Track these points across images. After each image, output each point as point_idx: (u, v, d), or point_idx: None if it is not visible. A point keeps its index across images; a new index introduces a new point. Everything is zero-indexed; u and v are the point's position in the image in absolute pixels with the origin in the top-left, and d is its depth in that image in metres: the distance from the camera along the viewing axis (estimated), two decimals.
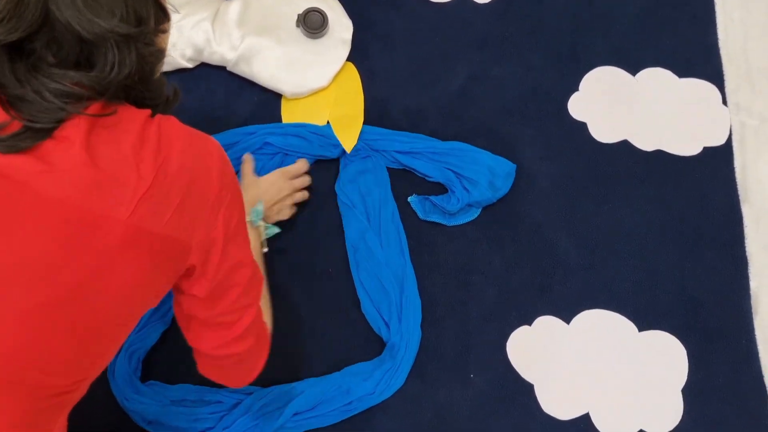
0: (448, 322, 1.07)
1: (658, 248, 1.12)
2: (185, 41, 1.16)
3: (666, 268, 1.11)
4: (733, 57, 1.25)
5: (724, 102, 1.22)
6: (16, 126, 0.62)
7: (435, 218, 1.12)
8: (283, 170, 1.09)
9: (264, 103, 1.18)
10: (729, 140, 1.19)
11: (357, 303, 1.07)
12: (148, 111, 0.69)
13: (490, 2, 1.27)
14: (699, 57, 1.24)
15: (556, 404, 1.03)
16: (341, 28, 1.21)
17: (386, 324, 1.05)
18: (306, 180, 1.12)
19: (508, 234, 1.12)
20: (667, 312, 1.09)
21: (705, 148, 1.18)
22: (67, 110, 0.63)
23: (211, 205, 0.69)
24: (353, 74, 1.20)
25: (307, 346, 1.06)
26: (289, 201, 1.08)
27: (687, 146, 1.18)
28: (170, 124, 0.69)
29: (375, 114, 1.18)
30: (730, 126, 1.20)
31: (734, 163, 1.18)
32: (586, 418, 1.03)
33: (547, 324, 1.08)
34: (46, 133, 0.63)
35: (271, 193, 1.05)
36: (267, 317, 0.90)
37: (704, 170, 1.17)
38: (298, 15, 1.18)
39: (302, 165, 1.12)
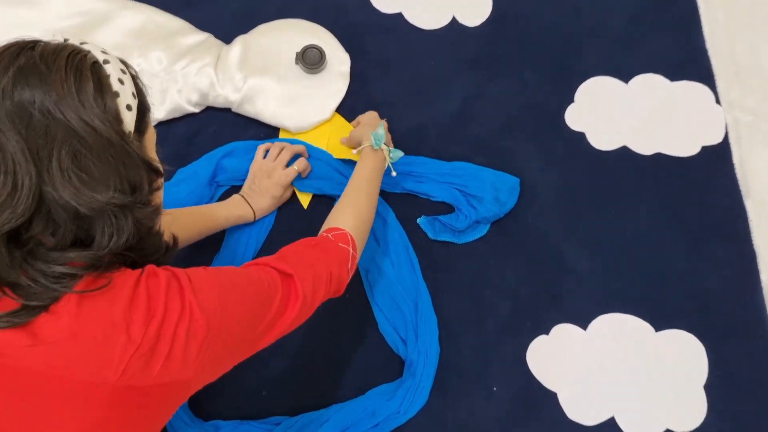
0: (466, 337, 1.09)
1: (667, 249, 1.14)
2: (190, 87, 1.20)
3: (676, 268, 1.13)
4: (722, 57, 1.28)
5: (717, 101, 1.24)
6: (12, 304, 0.63)
7: (445, 237, 1.14)
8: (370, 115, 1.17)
9: (270, 138, 1.21)
10: (726, 138, 1.22)
11: (375, 325, 1.09)
12: (138, 272, 0.69)
13: (479, 25, 1.31)
14: (688, 59, 1.28)
15: (581, 410, 1.05)
16: (338, 61, 1.25)
17: (403, 341, 1.07)
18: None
19: (518, 247, 1.14)
20: (682, 311, 1.10)
21: (703, 148, 1.21)
22: (60, 291, 0.63)
23: (201, 339, 0.68)
24: (341, 122, 1.23)
25: (331, 372, 1.07)
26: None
27: (685, 147, 1.21)
28: (155, 280, 0.69)
29: None
30: (726, 124, 1.23)
31: (733, 160, 1.20)
32: (611, 422, 1.04)
33: (564, 332, 1.09)
34: (42, 309, 0.63)
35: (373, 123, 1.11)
36: (355, 229, 0.94)
37: (704, 169, 1.20)
38: (297, 53, 1.22)
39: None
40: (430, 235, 1.14)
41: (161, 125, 1.22)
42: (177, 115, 1.22)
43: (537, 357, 1.08)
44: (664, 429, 1.03)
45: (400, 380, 1.06)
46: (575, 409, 1.05)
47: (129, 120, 0.68)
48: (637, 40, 1.29)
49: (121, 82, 0.68)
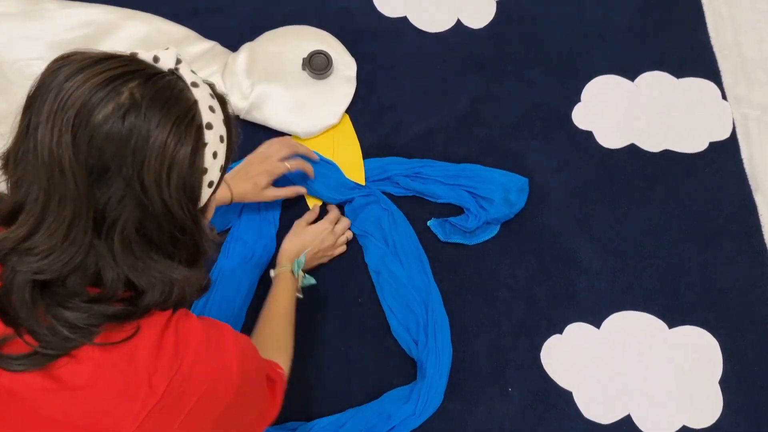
0: (480, 338, 1.09)
1: (678, 245, 1.14)
2: None
3: (688, 264, 1.13)
4: (727, 52, 1.28)
5: (724, 97, 1.25)
6: (27, 346, 0.59)
7: (456, 239, 1.14)
8: (328, 219, 1.12)
9: None
10: (733, 133, 1.22)
11: (388, 327, 1.09)
12: (168, 313, 0.65)
13: (484, 26, 1.31)
14: (694, 56, 1.28)
15: (597, 409, 1.05)
16: (345, 66, 1.25)
17: (415, 342, 1.07)
18: (348, 233, 1.14)
19: (529, 246, 1.14)
20: (695, 307, 1.10)
21: (711, 143, 1.21)
22: (80, 342, 0.59)
23: (228, 403, 0.65)
24: (346, 122, 1.24)
25: (345, 377, 1.07)
26: (330, 252, 1.11)
27: (693, 143, 1.21)
28: (188, 325, 0.65)
29: (386, 142, 1.22)
30: (733, 119, 1.23)
31: (741, 155, 1.20)
32: (628, 419, 1.04)
33: (578, 330, 1.09)
34: (60, 356, 0.59)
35: (316, 243, 1.08)
36: (286, 362, 0.92)
37: (713, 165, 1.20)
38: (303, 59, 1.22)
39: (336, 211, 1.15)
40: (441, 237, 1.14)
41: None
42: None
43: (551, 356, 1.08)
44: (680, 426, 1.03)
45: (414, 383, 1.06)
46: (591, 408, 1.05)
47: (206, 195, 0.64)
48: (642, 38, 1.30)
49: (214, 156, 0.62)
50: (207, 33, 1.28)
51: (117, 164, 0.56)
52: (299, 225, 1.11)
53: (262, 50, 1.25)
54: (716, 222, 1.16)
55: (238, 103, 1.21)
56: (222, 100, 0.66)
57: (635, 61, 1.28)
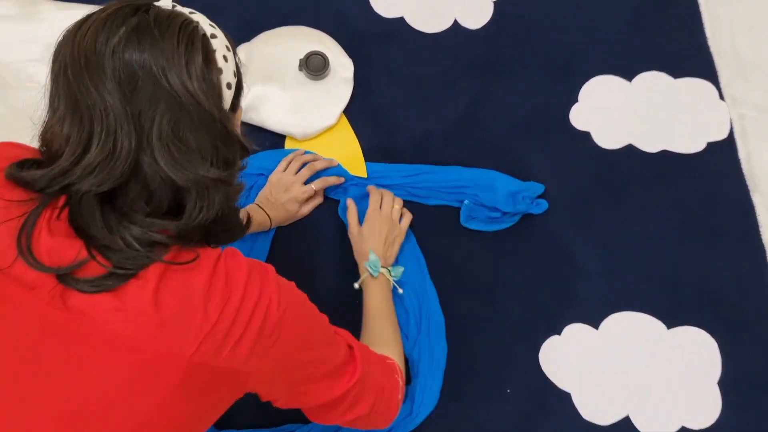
0: (478, 340, 1.09)
1: (676, 246, 1.14)
2: None
3: (686, 265, 1.13)
4: (723, 53, 1.28)
5: (721, 97, 1.25)
6: (99, 269, 0.63)
7: (474, 225, 1.14)
8: (373, 208, 1.11)
9: (275, 147, 1.21)
10: (731, 133, 1.22)
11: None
12: (218, 250, 0.69)
13: (481, 27, 1.31)
14: (691, 56, 1.28)
15: (595, 410, 1.04)
16: (342, 67, 1.25)
17: (405, 336, 1.07)
18: (397, 204, 1.13)
19: (527, 247, 1.14)
20: (693, 307, 1.10)
21: (709, 144, 1.21)
22: (152, 258, 0.64)
23: (269, 333, 0.69)
24: (343, 123, 1.23)
25: None
26: (396, 231, 1.11)
27: (691, 144, 1.21)
28: (236, 262, 0.69)
29: (384, 145, 1.22)
30: (730, 119, 1.23)
31: (739, 155, 1.20)
32: (626, 421, 1.04)
33: (576, 331, 1.09)
34: (130, 276, 0.63)
35: (378, 240, 1.08)
36: (397, 357, 0.94)
37: (711, 165, 1.20)
38: (300, 60, 1.22)
39: (375, 192, 1.14)
40: (462, 220, 1.14)
41: None
42: None
43: (550, 358, 1.07)
44: (679, 426, 1.03)
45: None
46: (590, 409, 1.04)
47: (227, 97, 0.69)
48: (639, 39, 1.30)
49: (225, 59, 0.68)
50: None
51: (143, 71, 0.62)
52: (353, 228, 1.11)
53: (259, 51, 1.25)
54: (714, 222, 1.16)
55: None
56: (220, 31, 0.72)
57: (632, 61, 1.28)
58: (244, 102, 1.19)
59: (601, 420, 1.04)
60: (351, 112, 1.24)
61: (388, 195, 1.14)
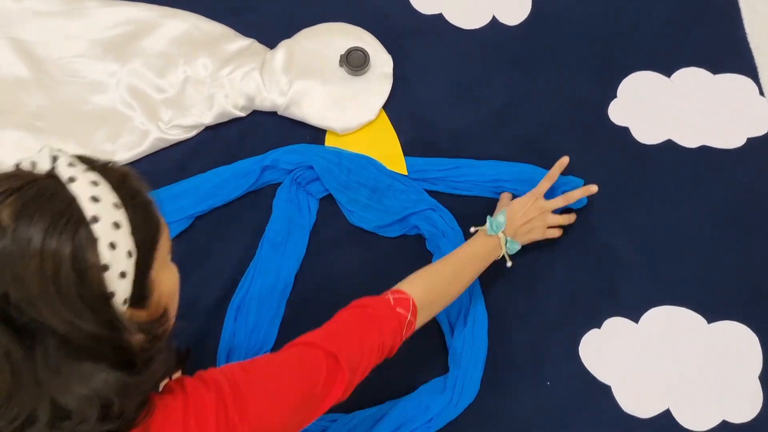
0: (517, 332, 1.09)
1: (715, 240, 1.14)
2: (237, 92, 1.22)
3: (725, 260, 1.13)
4: (764, 48, 1.28)
5: (761, 93, 1.25)
6: None
7: None
8: (533, 193, 1.08)
9: (316, 141, 1.23)
10: None
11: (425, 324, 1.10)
12: (181, 398, 0.66)
13: (519, 23, 1.32)
14: (730, 52, 1.28)
15: (636, 403, 1.05)
16: (381, 62, 1.26)
17: (451, 327, 1.08)
18: (561, 219, 1.10)
19: (566, 241, 1.15)
20: (733, 302, 1.10)
21: (749, 139, 1.21)
22: None
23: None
24: (382, 118, 1.24)
25: (384, 370, 1.08)
26: (539, 222, 1.07)
27: (730, 139, 1.21)
28: (202, 406, 0.66)
29: (422, 139, 1.23)
30: None
31: None
32: (667, 414, 1.04)
33: (616, 325, 1.09)
34: None
35: (521, 216, 1.05)
36: (419, 295, 0.91)
37: (750, 160, 1.20)
38: (341, 55, 1.24)
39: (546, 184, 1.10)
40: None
41: (208, 130, 1.24)
42: (224, 119, 1.24)
43: (589, 351, 1.08)
44: (720, 420, 1.04)
45: (448, 374, 1.06)
46: (630, 402, 1.05)
47: (122, 290, 0.60)
48: (678, 34, 1.30)
49: (112, 246, 0.59)
50: (244, 31, 1.30)
51: (5, 290, 0.55)
52: (503, 199, 1.12)
53: (300, 47, 1.27)
54: (754, 217, 1.16)
55: (277, 100, 1.22)
56: (122, 178, 0.63)
57: (671, 57, 1.28)
58: (285, 98, 1.22)
59: (642, 413, 1.04)
60: (389, 107, 1.25)
61: (560, 202, 1.09)
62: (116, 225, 0.59)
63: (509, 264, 1.06)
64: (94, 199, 0.58)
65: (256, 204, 1.18)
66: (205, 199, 1.16)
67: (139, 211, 0.63)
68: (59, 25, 1.29)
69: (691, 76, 1.26)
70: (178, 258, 1.11)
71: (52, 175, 0.59)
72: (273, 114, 1.25)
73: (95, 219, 0.58)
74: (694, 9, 1.32)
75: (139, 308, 0.64)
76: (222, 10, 1.32)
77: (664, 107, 1.24)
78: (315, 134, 1.23)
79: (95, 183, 0.60)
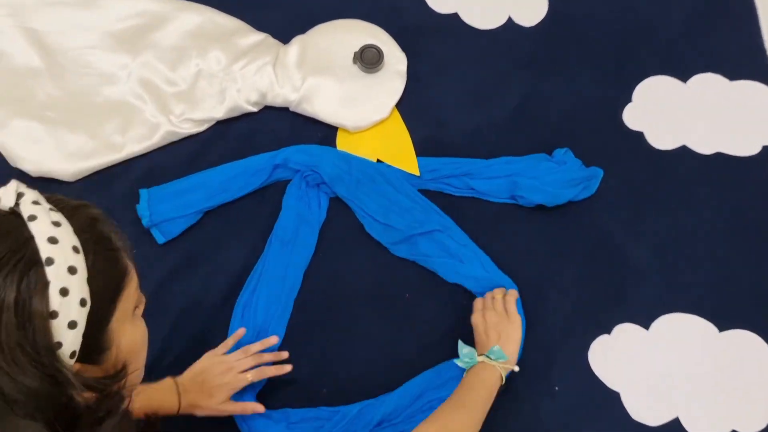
0: (527, 336, 1.08)
1: (728, 248, 1.13)
2: (249, 87, 1.22)
3: (738, 268, 1.12)
4: None
5: None
6: None
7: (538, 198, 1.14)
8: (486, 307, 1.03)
9: (327, 138, 1.22)
10: None
11: (435, 323, 1.09)
12: None
13: (535, 24, 1.31)
14: (747, 59, 1.27)
15: (645, 411, 1.04)
16: (395, 60, 1.26)
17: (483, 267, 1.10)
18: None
19: (577, 246, 1.14)
20: (745, 311, 1.09)
21: (764, 147, 1.20)
22: None
23: None
24: (395, 116, 1.24)
25: (391, 371, 1.07)
26: (509, 326, 1.01)
27: (746, 146, 1.20)
28: None
29: (434, 138, 1.22)
30: None
31: None
32: (676, 422, 1.03)
33: (626, 331, 1.08)
34: None
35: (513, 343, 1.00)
36: None
37: (766, 168, 1.19)
38: (355, 52, 1.23)
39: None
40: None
41: (220, 124, 1.23)
42: (236, 114, 1.23)
43: (599, 357, 1.07)
44: (730, 430, 1.02)
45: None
46: (639, 410, 1.04)
47: (71, 341, 0.55)
48: (695, 40, 1.29)
49: (64, 293, 0.54)
50: (258, 26, 1.29)
51: None
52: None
53: (314, 43, 1.26)
54: (767, 226, 1.15)
55: (289, 96, 1.22)
56: (91, 222, 0.60)
57: (688, 62, 1.27)
58: (298, 94, 1.21)
59: (651, 421, 1.03)
60: (402, 105, 1.24)
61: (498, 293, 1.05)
62: (72, 270, 0.55)
63: (516, 369, 0.99)
64: (52, 240, 0.55)
65: (265, 200, 1.17)
66: (215, 194, 1.16)
67: (102, 258, 0.59)
68: (72, 16, 1.29)
69: (708, 82, 1.25)
70: (185, 253, 1.13)
71: (14, 212, 0.56)
72: (284, 110, 1.24)
73: (50, 261, 0.54)
74: (711, 14, 1.31)
75: (91, 363, 0.60)
76: (236, 5, 1.32)
77: (680, 113, 1.23)
78: (326, 131, 1.23)
79: (57, 224, 0.56)
